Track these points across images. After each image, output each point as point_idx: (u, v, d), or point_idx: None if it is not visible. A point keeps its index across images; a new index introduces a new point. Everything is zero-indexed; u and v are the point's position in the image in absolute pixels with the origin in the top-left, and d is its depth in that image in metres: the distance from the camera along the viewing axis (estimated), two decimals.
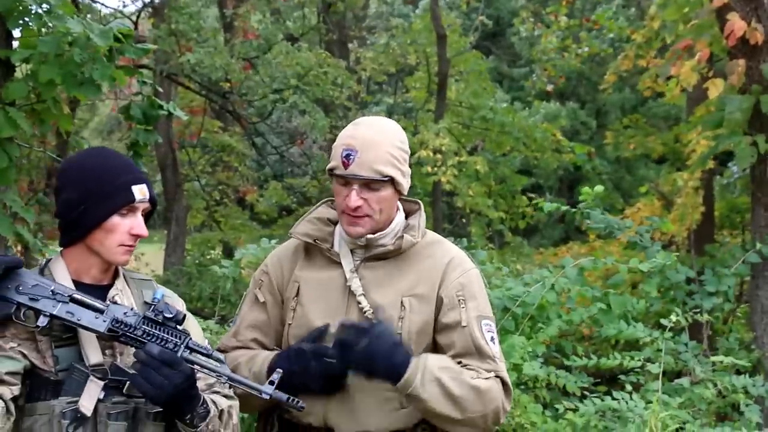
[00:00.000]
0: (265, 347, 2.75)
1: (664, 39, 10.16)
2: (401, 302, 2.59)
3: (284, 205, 17.08)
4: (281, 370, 2.37)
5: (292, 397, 2.34)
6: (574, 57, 15.63)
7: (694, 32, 6.47)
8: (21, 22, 4.53)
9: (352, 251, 2.69)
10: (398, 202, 2.73)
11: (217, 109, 14.09)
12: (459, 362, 2.58)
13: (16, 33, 4.64)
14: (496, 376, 2.58)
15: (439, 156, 12.08)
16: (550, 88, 16.73)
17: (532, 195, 16.29)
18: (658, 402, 4.43)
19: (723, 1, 5.92)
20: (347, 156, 2.55)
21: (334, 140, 9.79)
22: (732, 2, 5.94)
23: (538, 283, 5.39)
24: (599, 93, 19.77)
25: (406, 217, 2.76)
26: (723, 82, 6.07)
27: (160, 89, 8.36)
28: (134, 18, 10.78)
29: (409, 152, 2.70)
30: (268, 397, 2.32)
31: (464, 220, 15.52)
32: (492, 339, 2.63)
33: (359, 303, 2.60)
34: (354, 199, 2.56)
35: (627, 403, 4.76)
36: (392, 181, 2.58)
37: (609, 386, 5.87)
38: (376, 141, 2.57)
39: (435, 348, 2.64)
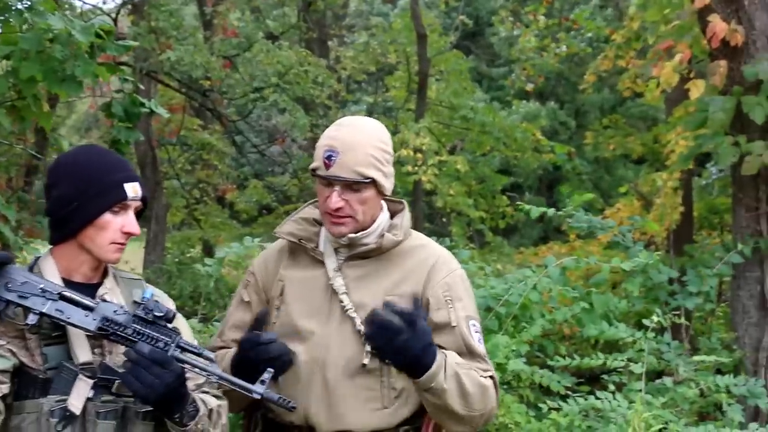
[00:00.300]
0: None
1: (644, 39, 10.21)
2: (384, 300, 2.56)
3: (264, 203, 17.04)
4: (272, 370, 2.36)
5: (282, 397, 2.33)
6: (552, 56, 15.68)
7: (676, 33, 6.49)
8: (1, 18, 4.49)
9: (336, 250, 2.69)
10: (382, 202, 2.73)
11: (197, 107, 14.04)
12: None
13: None
14: (491, 377, 2.59)
15: (419, 155, 12.08)
16: (529, 87, 16.76)
17: (512, 194, 16.35)
18: (641, 402, 4.44)
19: (704, 3, 5.93)
20: (328, 157, 2.54)
21: (315, 139, 9.79)
22: (713, 4, 5.96)
23: (521, 282, 5.39)
24: (578, 93, 19.85)
25: (392, 217, 2.76)
26: (704, 83, 6.09)
27: (142, 86, 8.32)
28: (113, 15, 10.69)
29: (392, 153, 2.69)
30: (259, 397, 2.31)
31: (444, 220, 15.54)
32: (479, 340, 2.64)
33: (341, 302, 2.60)
34: (335, 200, 2.56)
35: (610, 402, 4.77)
36: (374, 183, 2.58)
37: (591, 386, 5.89)
38: (358, 142, 2.56)
39: None
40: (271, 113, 18.97)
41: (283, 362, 2.52)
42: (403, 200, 2.82)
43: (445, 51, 14.97)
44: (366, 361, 2.54)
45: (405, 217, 2.74)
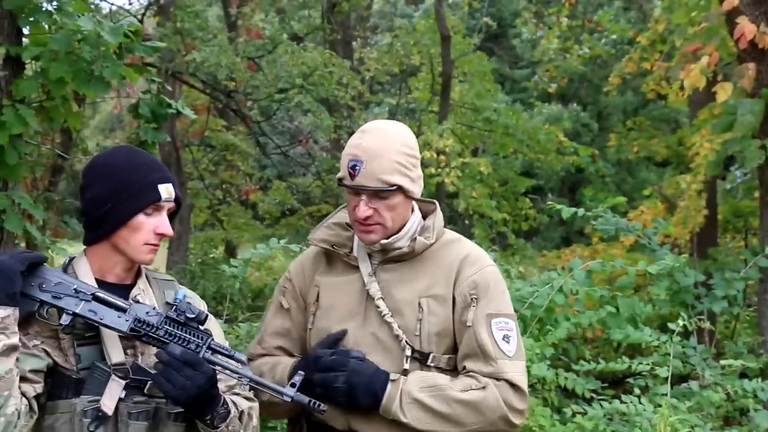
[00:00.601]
0: (289, 354, 2.75)
1: (670, 42, 10.17)
2: (419, 303, 2.57)
3: (287, 205, 17.07)
4: (303, 373, 2.39)
5: (313, 400, 2.34)
6: (575, 58, 15.62)
7: (704, 35, 6.46)
8: (31, 19, 4.53)
9: (369, 255, 2.68)
10: (413, 203, 2.71)
11: (221, 108, 14.08)
12: (464, 367, 2.57)
13: (27, 30, 4.64)
14: (500, 379, 2.52)
15: (442, 157, 12.06)
16: (552, 88, 16.70)
17: (534, 196, 16.30)
18: (667, 406, 4.41)
19: (732, 5, 5.90)
20: (353, 167, 2.53)
21: (338, 140, 9.75)
22: (742, 6, 5.93)
23: (546, 285, 5.36)
24: (601, 95, 19.78)
25: (424, 218, 2.74)
26: (731, 86, 6.06)
27: (169, 87, 8.36)
28: (139, 16, 10.74)
29: (418, 155, 2.66)
30: (290, 400, 2.33)
31: (467, 222, 15.50)
32: (505, 338, 2.57)
33: (377, 307, 2.59)
34: (363, 209, 2.55)
35: (636, 406, 4.74)
36: (401, 189, 2.56)
37: (614, 389, 5.86)
38: (381, 150, 2.54)
39: (456, 349, 2.61)
40: (294, 114, 19.00)
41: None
42: (434, 201, 2.80)
43: (469, 53, 14.95)
44: (407, 366, 2.54)
45: (437, 218, 2.72)
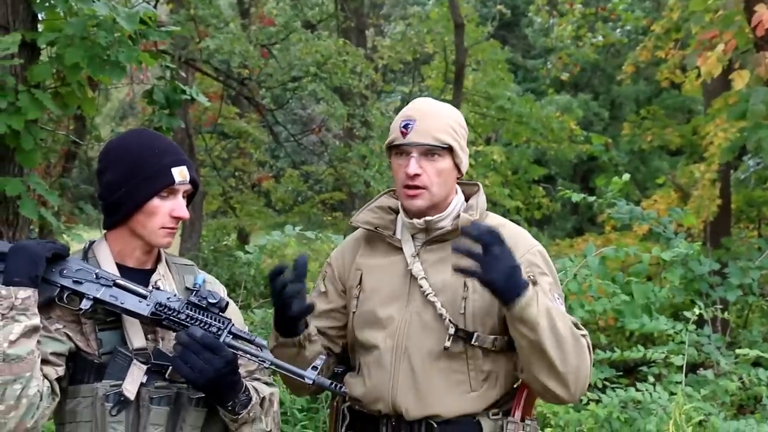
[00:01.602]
0: (327, 336, 2.73)
1: (685, 30, 10.11)
2: (464, 282, 2.55)
3: (300, 192, 17.07)
4: (324, 357, 2.39)
5: (334, 382, 2.35)
6: (588, 47, 15.56)
7: (721, 23, 6.42)
8: (47, 4, 4.53)
9: (413, 237, 2.67)
10: (457, 186, 2.70)
11: (234, 96, 14.07)
12: None
13: (42, 16, 4.65)
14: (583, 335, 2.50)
15: None
16: (565, 76, 16.63)
17: (546, 185, 16.26)
18: (682, 394, 4.40)
19: None
20: (406, 125, 2.54)
21: (351, 129, 9.70)
22: None
23: (560, 272, 5.35)
24: (614, 84, 19.70)
25: (467, 200, 2.72)
26: (748, 73, 6.02)
27: (183, 74, 8.36)
28: (153, 2, 10.73)
29: (467, 133, 2.67)
30: (311, 383, 2.33)
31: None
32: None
33: (421, 287, 2.57)
34: (413, 166, 2.53)
35: (651, 395, 4.74)
36: (451, 152, 2.55)
37: (627, 377, 5.86)
38: (435, 112, 2.58)
39: (500, 327, 2.56)
40: (306, 102, 18.99)
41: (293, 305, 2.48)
42: (477, 182, 2.79)
43: (482, 41, 14.90)
44: (448, 344, 2.51)
45: (480, 198, 2.70)
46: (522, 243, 2.62)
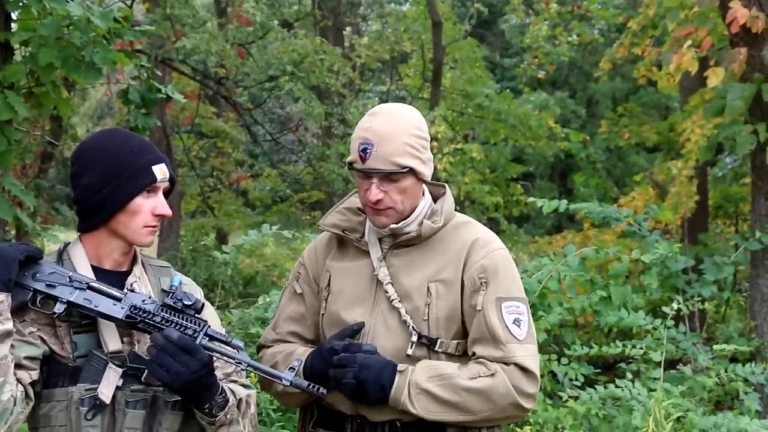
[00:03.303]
0: (303, 339, 2.73)
1: (662, 27, 10.15)
2: (428, 288, 2.56)
3: (278, 191, 17.03)
4: (301, 359, 2.41)
5: (312, 384, 2.33)
6: (564, 45, 15.59)
7: (696, 20, 6.45)
8: (20, 4, 4.49)
9: (380, 240, 2.66)
10: (424, 187, 2.68)
11: (211, 95, 14.02)
12: (473, 353, 2.54)
13: (15, 15, 4.61)
14: (509, 364, 2.49)
15: (434, 143, 12.05)
16: (541, 75, 16.66)
17: (525, 183, 16.30)
18: (661, 390, 4.42)
19: None
20: (364, 150, 2.50)
21: (329, 128, 9.67)
22: None
23: (539, 271, 5.36)
24: (591, 82, 19.77)
25: (435, 201, 2.71)
26: (723, 70, 6.05)
27: (160, 73, 8.31)
28: (129, 1, 10.66)
29: (428, 137, 2.64)
30: (288, 384, 2.32)
31: (458, 209, 15.47)
32: (516, 321, 2.54)
33: (386, 292, 2.57)
34: (374, 192, 2.52)
35: (630, 391, 4.76)
36: (412, 171, 2.53)
37: (605, 375, 5.88)
38: (392, 132, 2.51)
39: (464, 333, 2.58)
40: (284, 101, 18.94)
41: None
42: (444, 184, 2.77)
43: (460, 39, 14.92)
44: (410, 351, 2.52)
45: (447, 201, 2.69)
46: (482, 247, 2.61)
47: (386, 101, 16.31)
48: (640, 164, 17.15)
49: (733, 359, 5.61)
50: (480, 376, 2.48)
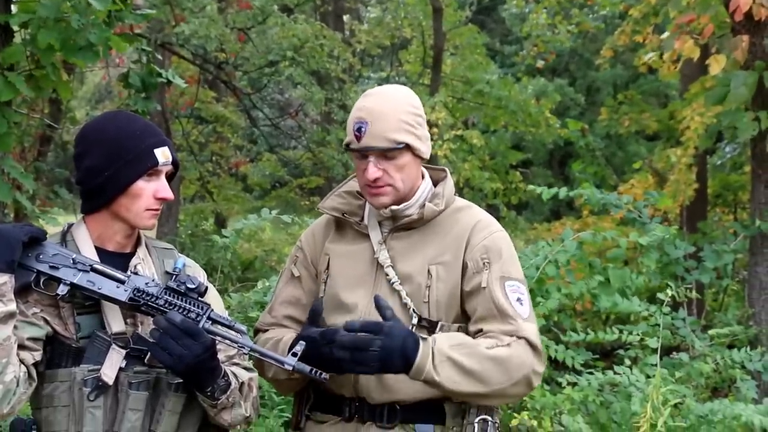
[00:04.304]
0: (299, 323, 2.72)
1: (663, 14, 10.12)
2: (428, 270, 2.56)
3: (278, 176, 17.01)
4: (304, 343, 2.37)
5: (314, 369, 2.32)
6: (564, 33, 15.52)
7: (699, 7, 6.43)
8: None
9: (380, 223, 2.66)
10: (424, 170, 2.69)
11: (211, 80, 13.99)
12: (480, 329, 2.54)
13: None
14: (520, 338, 2.50)
15: (435, 130, 12.03)
16: (540, 64, 16.61)
17: (524, 170, 16.29)
18: (659, 376, 4.43)
19: None
20: (359, 129, 2.51)
21: (329, 113, 9.67)
22: None
23: (537, 256, 5.36)
24: (591, 69, 19.72)
25: (435, 185, 2.71)
26: (725, 58, 6.04)
27: (160, 57, 8.30)
28: None
29: (424, 115, 2.64)
30: (291, 369, 2.31)
31: (457, 196, 15.46)
32: (519, 300, 2.55)
33: (387, 275, 2.58)
34: (372, 171, 2.52)
35: (628, 377, 4.77)
36: (409, 147, 2.54)
37: (603, 362, 5.89)
38: (386, 109, 2.52)
39: (464, 316, 2.59)
40: (284, 87, 18.90)
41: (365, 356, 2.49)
42: (445, 168, 2.77)
43: (460, 25, 14.87)
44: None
45: (448, 184, 2.69)
46: (483, 228, 2.63)
47: (375, 87, 16.22)
48: (640, 153, 17.13)
49: (731, 346, 5.63)
50: (498, 346, 2.47)
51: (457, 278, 2.57)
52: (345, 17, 16.41)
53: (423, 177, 2.69)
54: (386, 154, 2.52)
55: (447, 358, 2.42)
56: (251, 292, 5.32)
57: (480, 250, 2.57)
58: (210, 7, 11.68)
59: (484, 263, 2.56)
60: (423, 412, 2.55)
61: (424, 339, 2.44)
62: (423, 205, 2.62)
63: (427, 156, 2.62)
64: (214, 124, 15.33)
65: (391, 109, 2.53)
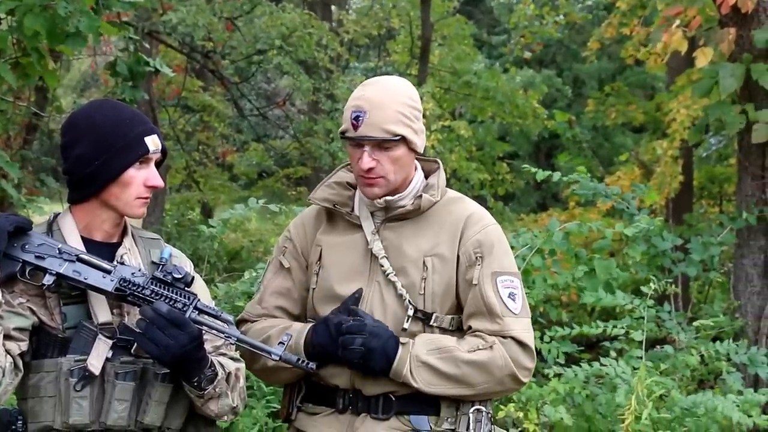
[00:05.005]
0: (289, 314, 2.72)
1: (652, 6, 10.14)
2: (423, 262, 2.57)
3: (264, 166, 16.96)
4: (291, 334, 2.40)
5: (302, 359, 2.34)
6: (551, 24, 15.52)
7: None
8: None
9: (372, 213, 2.66)
10: (416, 162, 2.69)
11: (198, 69, 13.93)
12: (469, 327, 2.56)
13: None
14: (506, 337, 2.52)
15: (423, 120, 11.98)
16: (527, 55, 16.60)
17: (510, 162, 16.29)
18: (644, 368, 4.45)
19: None
20: (356, 118, 2.51)
21: (316, 102, 9.64)
22: None
23: (523, 247, 5.36)
24: (577, 61, 19.73)
25: (426, 177, 2.72)
26: (712, 50, 6.05)
27: (147, 45, 8.25)
28: None
29: (421, 109, 2.65)
30: (277, 359, 2.32)
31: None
32: (510, 295, 2.57)
33: (381, 266, 2.58)
34: (366, 161, 2.52)
35: (614, 369, 4.78)
36: (404, 140, 2.54)
37: (589, 352, 5.91)
38: (385, 100, 2.52)
39: (458, 308, 2.60)
40: (271, 76, 18.84)
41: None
42: (437, 160, 2.78)
43: (448, 16, 14.85)
44: (406, 325, 2.53)
45: (440, 176, 2.70)
46: (477, 222, 2.64)
47: (373, 77, 16.21)
48: (627, 145, 17.17)
49: (717, 339, 5.65)
50: (479, 349, 2.50)
51: (452, 270, 2.58)
52: (333, 7, 16.35)
53: (415, 168, 2.69)
54: (382, 144, 2.52)
55: (423, 363, 2.47)
56: (238, 282, 5.30)
57: (473, 244, 2.59)
58: None
59: (476, 257, 2.57)
60: (418, 403, 2.56)
61: (403, 344, 2.48)
62: (419, 196, 2.62)
63: (421, 150, 2.62)
64: (201, 113, 15.26)
65: (390, 100, 2.53)
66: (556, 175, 5.72)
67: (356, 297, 2.57)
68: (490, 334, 2.53)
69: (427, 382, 2.47)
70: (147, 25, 10.20)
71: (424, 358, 2.47)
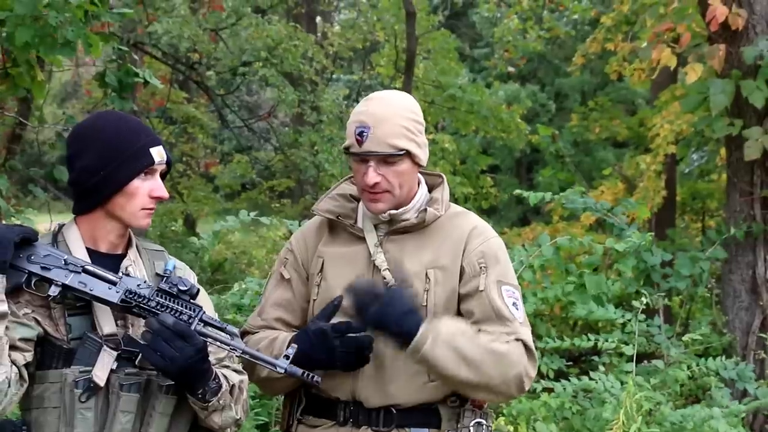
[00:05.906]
0: (289, 326, 2.72)
1: (632, 23, 10.22)
2: (426, 274, 2.58)
3: (248, 178, 16.91)
4: (296, 345, 2.38)
5: (307, 372, 2.32)
6: (535, 39, 15.59)
7: (675, 16, 6.49)
8: None
9: (375, 226, 2.67)
10: (420, 176, 2.71)
11: (181, 80, 13.90)
12: (478, 330, 2.55)
13: None
14: (517, 339, 2.53)
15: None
16: (511, 70, 16.67)
17: (492, 175, 16.33)
18: (633, 383, 4.45)
19: None
20: (360, 133, 2.52)
21: (301, 114, 9.63)
22: None
23: (513, 261, 5.36)
24: (560, 76, 19.82)
25: (430, 191, 2.73)
26: (702, 66, 6.10)
27: (136, 57, 8.22)
28: None
29: (424, 122, 2.66)
30: (283, 372, 2.32)
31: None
32: (514, 304, 2.59)
33: (384, 278, 2.58)
34: (371, 176, 2.54)
35: (604, 384, 4.79)
36: (409, 154, 2.55)
37: (574, 367, 5.91)
38: (388, 115, 2.54)
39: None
40: (254, 88, 18.82)
41: (361, 361, 2.53)
42: (441, 174, 2.80)
43: (433, 30, 14.88)
44: None
45: (444, 190, 2.73)
46: (480, 234, 2.66)
47: (357, 90, 16.29)
48: (609, 160, 17.24)
49: (704, 356, 5.66)
50: (497, 341, 2.51)
51: (455, 282, 2.60)
52: (318, 19, 16.37)
53: (419, 182, 2.70)
54: (386, 159, 2.53)
55: (447, 340, 2.45)
56: (228, 294, 5.28)
57: (477, 254, 2.60)
58: (183, 7, 11.59)
59: (481, 267, 2.59)
60: (419, 416, 2.57)
61: (428, 321, 2.47)
62: (424, 210, 2.63)
63: (424, 163, 2.64)
64: (185, 124, 15.23)
65: (393, 114, 2.55)
66: (548, 196, 5.74)
67: (335, 304, 2.56)
68: (503, 335, 2.53)
69: (446, 358, 2.43)
70: (132, 36, 10.17)
71: (449, 337, 2.45)
